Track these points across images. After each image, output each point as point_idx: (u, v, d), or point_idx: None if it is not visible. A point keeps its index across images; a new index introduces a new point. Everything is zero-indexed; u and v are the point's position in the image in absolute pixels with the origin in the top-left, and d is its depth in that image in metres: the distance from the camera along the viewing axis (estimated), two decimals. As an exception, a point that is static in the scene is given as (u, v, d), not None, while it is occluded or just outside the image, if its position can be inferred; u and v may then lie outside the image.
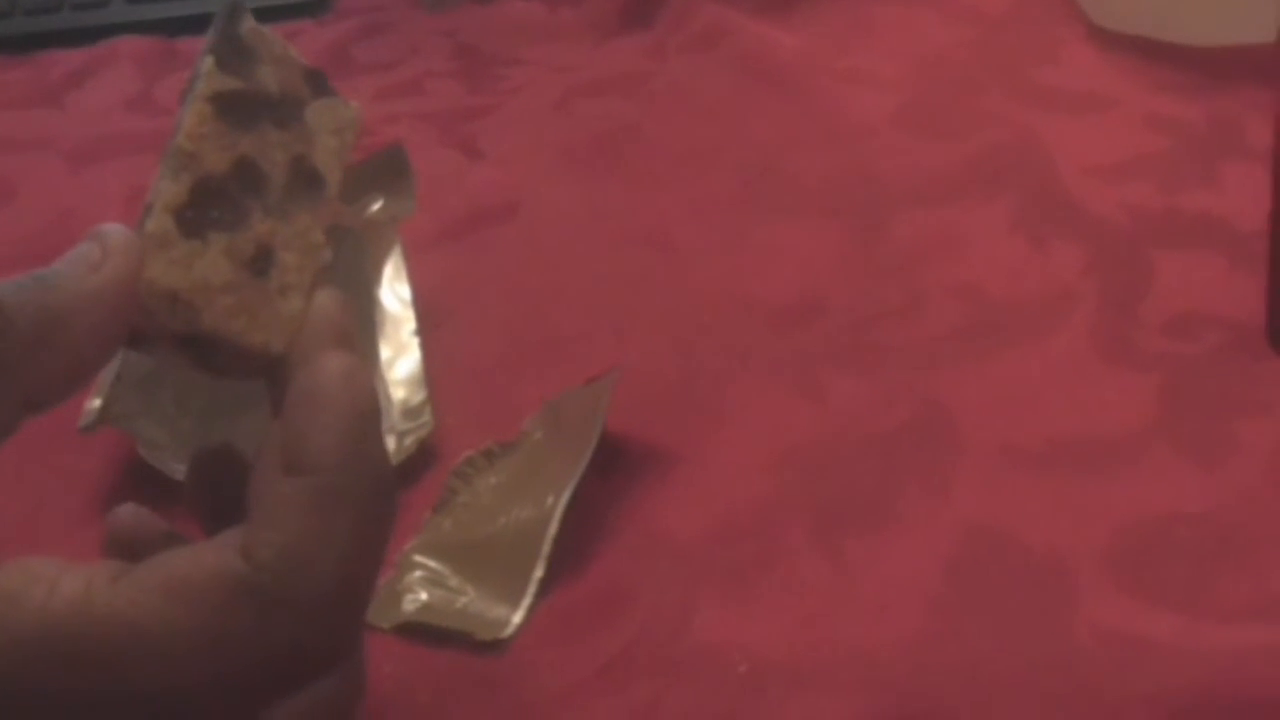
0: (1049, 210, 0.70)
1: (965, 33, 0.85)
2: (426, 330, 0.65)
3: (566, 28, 0.92)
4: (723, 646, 0.51)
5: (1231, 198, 0.69)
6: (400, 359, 0.64)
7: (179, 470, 0.58)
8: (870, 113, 0.79)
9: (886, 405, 0.60)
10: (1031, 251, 0.68)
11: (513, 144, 0.81)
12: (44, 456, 0.61)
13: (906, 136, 0.77)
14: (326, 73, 0.45)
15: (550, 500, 0.55)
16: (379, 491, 0.40)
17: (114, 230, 0.40)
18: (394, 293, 0.67)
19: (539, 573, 0.54)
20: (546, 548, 0.54)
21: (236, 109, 0.42)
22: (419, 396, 0.62)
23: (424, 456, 0.60)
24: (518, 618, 0.53)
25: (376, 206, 0.70)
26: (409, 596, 0.54)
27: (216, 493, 0.43)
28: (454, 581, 0.55)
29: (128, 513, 0.43)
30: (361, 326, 0.64)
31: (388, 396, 0.62)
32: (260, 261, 0.41)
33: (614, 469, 0.58)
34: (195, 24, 0.93)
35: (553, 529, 0.54)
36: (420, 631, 0.53)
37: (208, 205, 0.41)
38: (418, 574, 0.55)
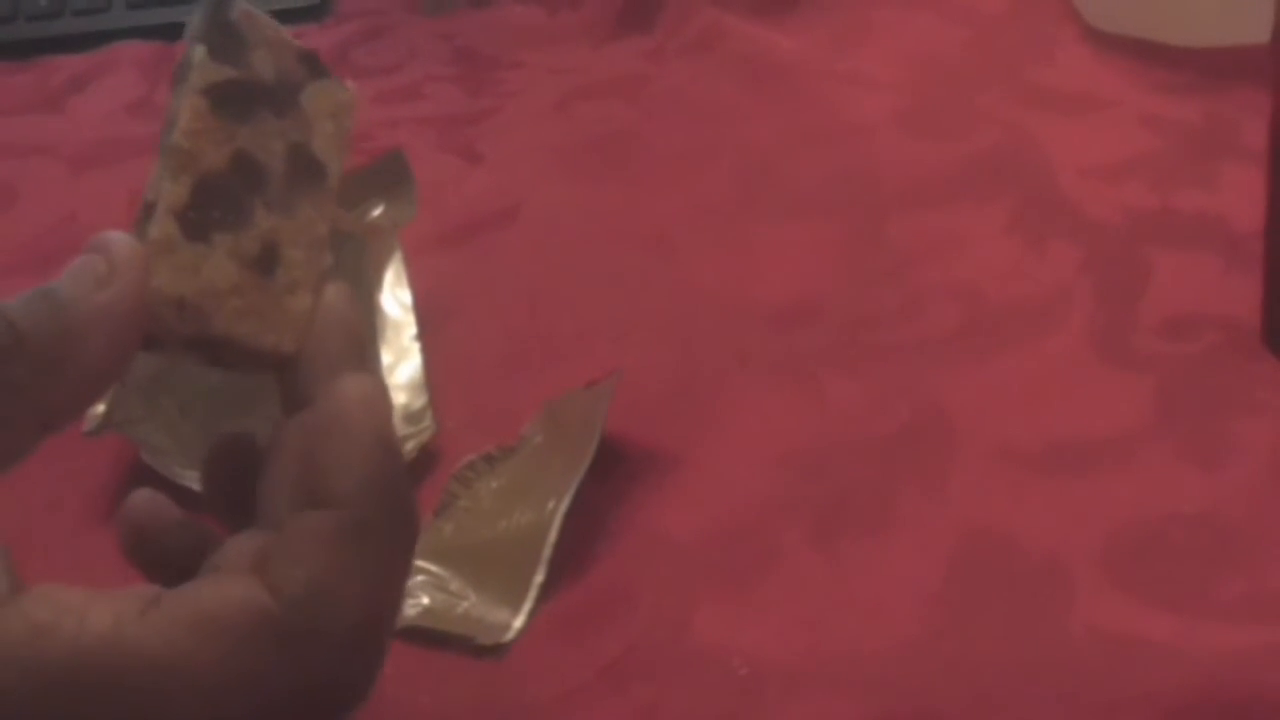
0: (1046, 211, 0.70)
1: (962, 34, 0.85)
2: (427, 335, 0.65)
3: (565, 31, 0.92)
4: (722, 648, 0.51)
5: (1227, 198, 0.69)
6: (401, 364, 0.64)
7: (182, 475, 0.58)
8: (868, 114, 0.79)
9: (884, 406, 0.60)
10: (1028, 252, 0.68)
11: (512, 147, 0.81)
12: (48, 461, 0.60)
13: (904, 138, 0.77)
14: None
15: (551, 504, 0.55)
16: (402, 521, 0.40)
17: (117, 240, 0.39)
18: (395, 298, 0.67)
19: (540, 577, 0.54)
20: (547, 552, 0.54)
21: (232, 100, 0.41)
22: (420, 401, 0.62)
23: (425, 461, 0.60)
24: (519, 622, 0.53)
25: (377, 212, 0.70)
26: (410, 601, 0.54)
27: (236, 486, 0.43)
28: (455, 586, 0.55)
29: (143, 499, 0.43)
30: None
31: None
32: (266, 260, 0.41)
33: (613, 472, 0.58)
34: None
35: (553, 533, 0.55)
36: (422, 636, 0.53)
37: (210, 205, 0.40)
38: (419, 578, 0.55)
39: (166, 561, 0.42)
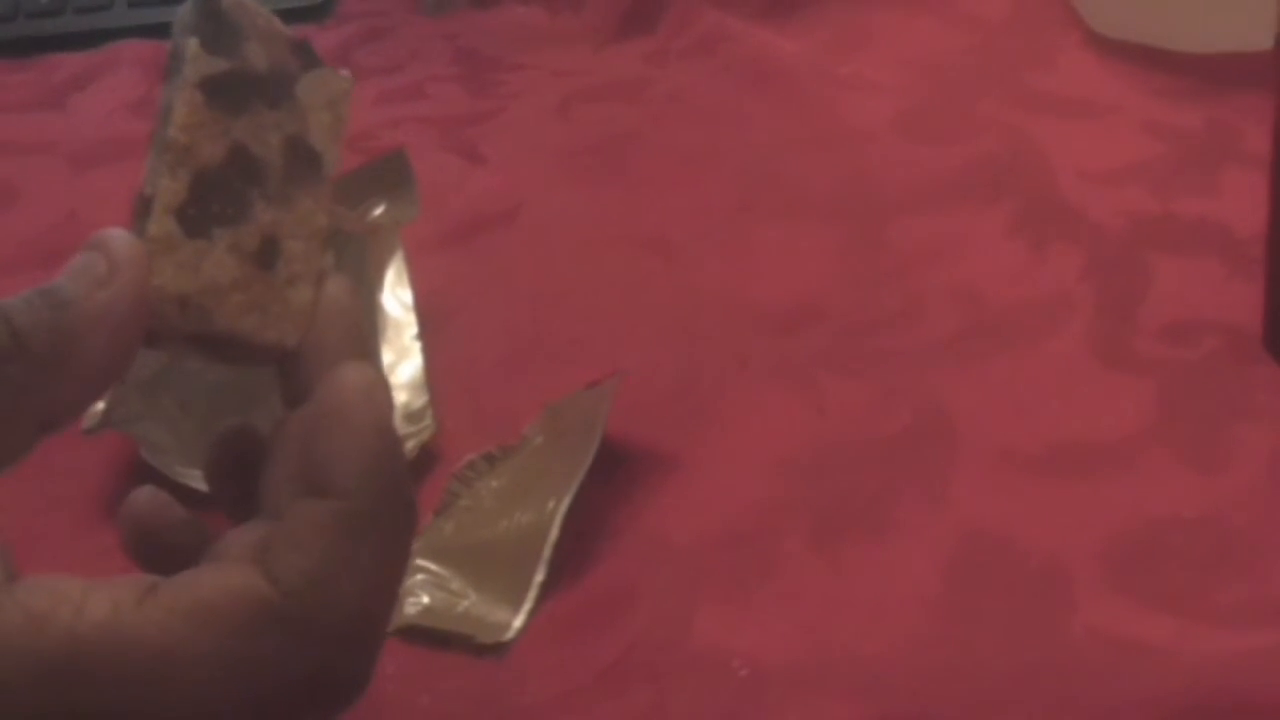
0: (1047, 216, 0.70)
1: (964, 39, 0.85)
2: (428, 334, 0.65)
3: (567, 33, 0.92)
4: (722, 650, 0.51)
5: (1229, 204, 0.69)
6: (402, 363, 0.64)
7: (182, 473, 0.58)
8: (869, 118, 0.79)
9: (885, 410, 0.60)
10: (1030, 256, 0.68)
11: (514, 149, 0.81)
12: (47, 459, 0.60)
13: (906, 142, 0.77)
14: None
15: (551, 504, 0.55)
16: (402, 511, 0.40)
17: (117, 238, 0.39)
18: (396, 297, 0.67)
19: (540, 576, 0.54)
20: (548, 552, 0.54)
21: (227, 92, 0.41)
22: (420, 400, 0.62)
23: (425, 460, 0.60)
24: (519, 621, 0.53)
25: (379, 211, 0.70)
26: (410, 600, 0.54)
27: (240, 478, 0.42)
28: (455, 585, 0.55)
29: (145, 497, 0.42)
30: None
31: (390, 401, 0.62)
32: (266, 254, 0.41)
33: (614, 472, 0.58)
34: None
35: (554, 533, 0.55)
36: (422, 635, 0.53)
37: (208, 200, 0.40)
38: (419, 577, 0.55)
39: (169, 559, 0.41)
